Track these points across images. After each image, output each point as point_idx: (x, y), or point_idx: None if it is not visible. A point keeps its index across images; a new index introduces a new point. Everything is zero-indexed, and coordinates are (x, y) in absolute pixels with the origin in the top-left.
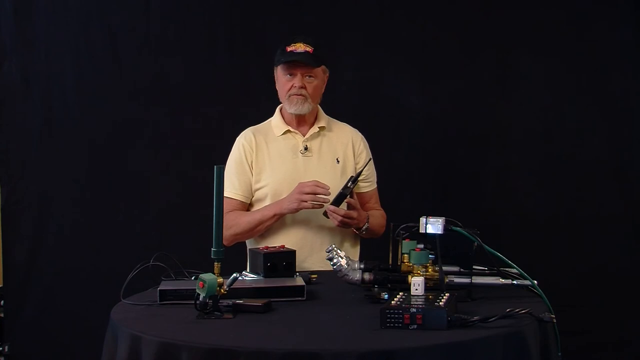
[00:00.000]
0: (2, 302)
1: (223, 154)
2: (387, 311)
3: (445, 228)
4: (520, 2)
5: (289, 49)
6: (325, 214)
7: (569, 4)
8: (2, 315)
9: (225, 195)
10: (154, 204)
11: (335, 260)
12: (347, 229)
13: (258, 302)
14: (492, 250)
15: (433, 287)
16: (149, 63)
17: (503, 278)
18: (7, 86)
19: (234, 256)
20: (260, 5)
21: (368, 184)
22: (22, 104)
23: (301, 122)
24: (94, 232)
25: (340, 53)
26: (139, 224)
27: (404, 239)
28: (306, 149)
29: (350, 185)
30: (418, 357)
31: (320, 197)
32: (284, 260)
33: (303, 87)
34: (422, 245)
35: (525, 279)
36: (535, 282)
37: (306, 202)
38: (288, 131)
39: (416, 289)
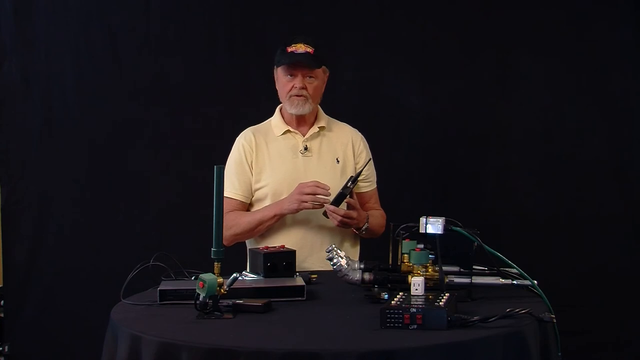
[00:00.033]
0: (2, 302)
1: (223, 154)
2: (387, 311)
3: (445, 228)
4: (520, 2)
5: (289, 49)
6: (325, 214)
7: (569, 4)
8: (2, 315)
9: (225, 195)
10: (154, 204)
11: (335, 260)
12: (347, 229)
13: (258, 302)
14: (492, 250)
15: (433, 287)
16: (149, 63)
17: (503, 278)
18: (7, 86)
19: (234, 256)
20: (260, 5)
21: (368, 184)
22: (22, 104)
23: (301, 122)
24: (94, 232)
25: (340, 53)
26: (139, 224)
27: (404, 239)
28: (306, 149)
29: (350, 185)
30: (418, 357)
31: (321, 198)
32: (284, 260)
33: (304, 87)
34: (422, 245)
35: (525, 279)
36: (535, 282)
37: (306, 202)
38: (288, 131)
39: (416, 289)
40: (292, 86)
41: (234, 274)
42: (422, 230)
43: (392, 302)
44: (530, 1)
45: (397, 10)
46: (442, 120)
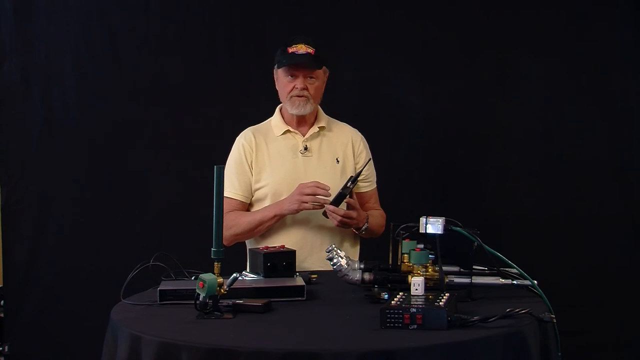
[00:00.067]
0: (2, 302)
1: (223, 154)
2: (387, 311)
3: (445, 228)
4: (520, 2)
5: (290, 50)
6: (324, 214)
7: (569, 4)
8: (2, 315)
9: (225, 195)
10: (154, 204)
11: (335, 260)
12: (347, 229)
13: (258, 302)
14: (492, 250)
15: (433, 287)
16: (149, 63)
17: (503, 278)
18: (7, 86)
19: (234, 256)
20: (260, 5)
21: (368, 184)
22: (22, 104)
23: (301, 122)
24: (94, 232)
25: (340, 53)
26: (139, 224)
27: (404, 239)
28: (306, 149)
29: (350, 185)
30: (418, 357)
31: (321, 198)
32: (284, 260)
33: (305, 88)
34: (422, 245)
35: (525, 279)
36: (535, 282)
37: (307, 203)
38: (288, 131)
39: (416, 289)
40: (293, 87)
41: (234, 274)
42: (422, 230)
43: (392, 302)
44: (530, 1)
45: (397, 10)
46: (442, 120)
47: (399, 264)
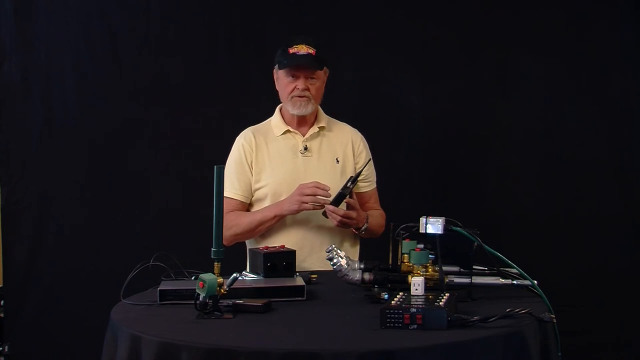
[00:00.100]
0: (2, 302)
1: (223, 154)
2: (387, 311)
3: (445, 228)
4: (520, 2)
5: (291, 50)
6: (324, 214)
7: (569, 4)
8: (2, 315)
9: (225, 195)
10: (154, 204)
11: (335, 260)
12: (347, 229)
13: (258, 302)
14: (492, 250)
15: (433, 287)
16: (149, 63)
17: (503, 278)
18: (7, 86)
19: (234, 256)
20: (260, 5)
21: (367, 184)
22: (22, 104)
23: (301, 122)
24: (94, 232)
25: (340, 53)
26: (139, 224)
27: (404, 239)
28: (306, 149)
29: (350, 185)
30: (418, 357)
31: (321, 199)
32: (284, 260)
33: (306, 89)
34: (422, 245)
35: (525, 279)
36: (535, 282)
37: (307, 203)
38: (288, 131)
39: (416, 289)
40: (295, 87)
41: (234, 274)
42: (422, 230)
43: (392, 302)
44: (530, 1)
45: (397, 10)
46: (442, 120)
47: (399, 264)
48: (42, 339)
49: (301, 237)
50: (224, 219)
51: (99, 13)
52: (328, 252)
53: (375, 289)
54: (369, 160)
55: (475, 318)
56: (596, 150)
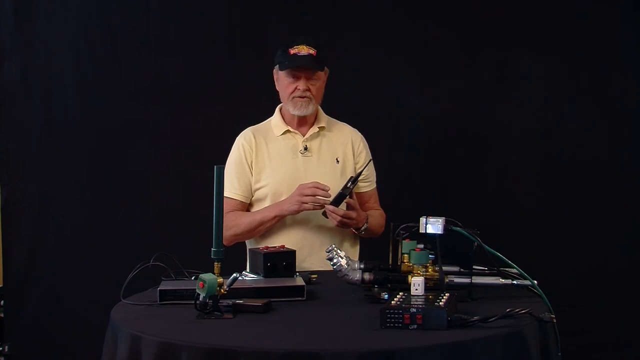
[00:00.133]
0: (2, 302)
1: (223, 154)
2: (387, 311)
3: (445, 228)
4: (520, 2)
5: (292, 51)
6: (324, 214)
7: (569, 4)
8: (2, 315)
9: (225, 195)
10: (154, 204)
11: (335, 260)
12: (346, 229)
13: (258, 302)
14: (492, 250)
15: (433, 287)
16: (149, 63)
17: (503, 278)
18: (7, 86)
19: (234, 256)
20: (260, 5)
21: (367, 184)
22: (22, 104)
23: (301, 122)
24: (94, 232)
25: (340, 53)
26: (139, 224)
27: (404, 239)
28: (306, 149)
29: (350, 185)
30: (418, 357)
31: (321, 199)
32: (284, 260)
33: (307, 89)
34: (422, 245)
35: (525, 279)
36: (535, 282)
37: (307, 203)
38: (288, 131)
39: (416, 289)
40: (295, 88)
41: (234, 274)
42: (422, 230)
43: (392, 302)
44: (530, 1)
45: (397, 10)
46: (442, 120)
47: (399, 264)
48: (42, 339)
49: (301, 237)
50: (224, 219)
51: (99, 13)
52: (328, 252)
53: (375, 289)
54: (369, 161)
55: (475, 318)
56: (596, 150)
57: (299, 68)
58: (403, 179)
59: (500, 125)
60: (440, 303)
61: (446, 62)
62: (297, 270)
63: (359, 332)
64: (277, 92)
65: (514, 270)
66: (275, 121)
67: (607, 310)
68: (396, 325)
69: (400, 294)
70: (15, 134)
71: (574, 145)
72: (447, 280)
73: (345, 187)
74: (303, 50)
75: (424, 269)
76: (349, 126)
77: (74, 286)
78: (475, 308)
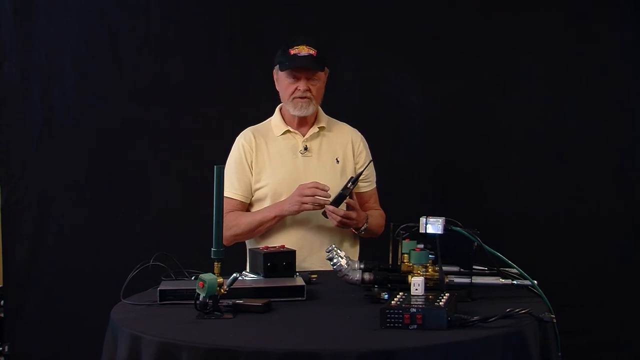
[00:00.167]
0: (2, 302)
1: (223, 154)
2: (387, 311)
3: (445, 228)
4: (520, 2)
5: (292, 52)
6: (324, 214)
7: (569, 4)
8: (2, 315)
9: (225, 195)
10: (154, 204)
11: (335, 260)
12: (346, 229)
13: (258, 302)
14: (492, 250)
15: (433, 287)
16: (149, 63)
17: (503, 278)
18: (7, 86)
19: (234, 256)
20: (260, 5)
21: (367, 184)
22: (22, 104)
23: (302, 122)
24: (94, 232)
25: (340, 53)
26: (139, 224)
27: (404, 239)
28: (306, 149)
29: (350, 186)
30: (418, 357)
31: (321, 199)
32: (284, 260)
33: (308, 89)
34: (422, 245)
35: (525, 279)
36: (535, 282)
37: (307, 204)
38: (288, 131)
39: (416, 289)
40: (296, 88)
41: (234, 274)
42: (422, 230)
43: (392, 302)
44: (530, 1)
45: (397, 10)
46: (442, 120)
47: (399, 264)
48: (42, 339)
49: (301, 237)
50: (224, 219)
51: (99, 13)
52: (328, 252)
53: (375, 289)
54: (370, 162)
55: (475, 318)
56: (596, 150)
57: (299, 68)
58: (403, 179)
59: (500, 125)
60: (440, 303)
61: (446, 62)
62: (297, 270)
63: (359, 332)
64: (277, 92)
65: (514, 270)
66: (275, 121)
67: (607, 310)
68: (396, 325)
69: (400, 294)
70: (15, 134)
71: (574, 145)
72: (447, 280)
73: (345, 187)
74: (303, 50)
75: (424, 269)
76: (349, 126)
77: (74, 286)
78: (475, 308)
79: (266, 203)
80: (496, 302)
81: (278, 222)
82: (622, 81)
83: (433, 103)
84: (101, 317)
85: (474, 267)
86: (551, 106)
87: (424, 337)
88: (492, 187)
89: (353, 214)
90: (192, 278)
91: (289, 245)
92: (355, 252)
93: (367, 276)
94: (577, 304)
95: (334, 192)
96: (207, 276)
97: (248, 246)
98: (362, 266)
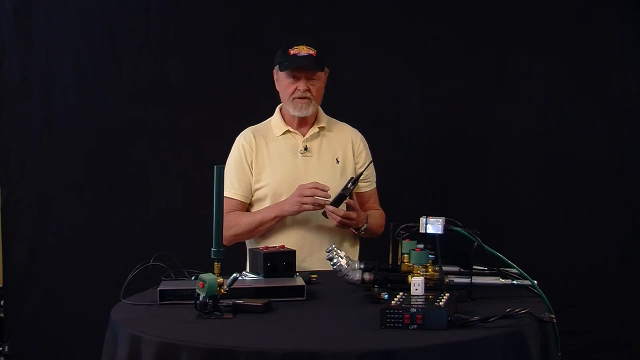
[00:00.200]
0: (2, 302)
1: (223, 154)
2: (387, 311)
3: (445, 228)
4: (520, 2)
5: (291, 52)
6: (324, 214)
7: (569, 4)
8: (2, 315)
9: (225, 195)
10: (154, 204)
11: (335, 260)
12: (346, 229)
13: (258, 302)
14: (492, 250)
15: (433, 287)
16: (149, 63)
17: (503, 278)
18: (7, 86)
19: (234, 256)
20: (260, 5)
21: (367, 184)
22: (22, 104)
23: (302, 122)
24: (94, 232)
25: (340, 53)
26: (139, 224)
27: (404, 239)
28: (306, 149)
29: (350, 186)
30: (418, 357)
31: (320, 199)
32: (284, 260)
33: (307, 90)
34: (422, 245)
35: (525, 279)
36: (535, 282)
37: (307, 204)
38: (288, 131)
39: (416, 289)
40: (296, 88)
41: (234, 274)
42: (422, 230)
43: (392, 302)
44: (530, 1)
45: (397, 10)
46: (442, 120)
47: (399, 264)
48: (42, 339)
49: (301, 237)
50: (224, 219)
51: (99, 13)
52: (328, 252)
53: (375, 289)
54: (370, 162)
55: (475, 318)
56: (596, 150)
57: (299, 69)
58: (403, 179)
59: (500, 125)
60: (440, 303)
61: (446, 62)
62: (297, 270)
63: (359, 332)
64: (277, 92)
65: (514, 270)
66: (275, 121)
67: (607, 310)
68: (396, 325)
69: (400, 294)
70: (15, 134)
71: (574, 145)
72: (447, 280)
73: (345, 187)
74: (303, 50)
75: (424, 269)
76: (349, 126)
77: (74, 286)
78: (475, 308)
79: (266, 203)
80: (496, 302)
81: (278, 222)
82: (622, 81)
83: (433, 103)
84: (101, 317)
85: (474, 267)
86: (551, 106)
87: (424, 337)
88: (492, 187)
89: (353, 214)
90: (192, 278)
91: (289, 245)
92: (355, 252)
93: (367, 276)
94: (577, 304)
95: (334, 192)
96: (207, 276)
97: (248, 246)
98: (362, 266)
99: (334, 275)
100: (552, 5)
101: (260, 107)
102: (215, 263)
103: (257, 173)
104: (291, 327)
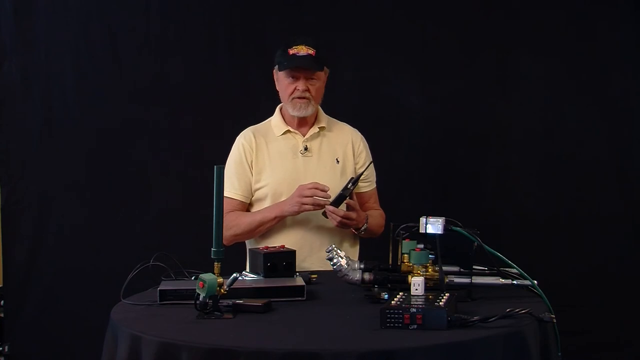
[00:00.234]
0: (2, 302)
1: (223, 154)
2: (387, 311)
3: (445, 228)
4: (520, 2)
5: (291, 51)
6: (324, 214)
7: (569, 4)
8: (2, 315)
9: (225, 195)
10: (154, 204)
11: (335, 260)
12: (346, 229)
13: (258, 302)
14: (492, 250)
15: (433, 287)
16: (149, 63)
17: (503, 278)
18: (7, 86)
19: (234, 256)
20: (260, 5)
21: (367, 184)
22: (22, 104)
23: (302, 122)
24: (94, 232)
25: (340, 53)
26: (139, 224)
27: (404, 239)
28: (306, 149)
29: (350, 186)
30: (418, 357)
31: (320, 199)
32: (284, 260)
33: (307, 90)
34: (422, 245)
35: (525, 279)
36: (535, 282)
37: (307, 204)
38: (288, 131)
39: (416, 289)
40: (295, 88)
41: (234, 274)
42: (422, 230)
43: (392, 302)
44: (530, 1)
45: (397, 10)
46: (442, 120)
47: (399, 264)
48: (42, 339)
49: (301, 237)
50: (224, 219)
51: (99, 13)
52: (328, 252)
53: (375, 289)
54: (370, 162)
55: (475, 318)
56: (596, 150)
57: (298, 68)
58: (403, 179)
59: (500, 125)
60: (440, 303)
61: (446, 62)
62: (297, 270)
63: (359, 332)
64: (277, 92)
65: (514, 270)
66: (275, 121)
67: (607, 310)
68: (396, 325)
69: (400, 294)
70: (15, 134)
71: (574, 145)
72: (447, 280)
73: (345, 188)
74: (302, 50)
75: (424, 269)
76: (349, 126)
77: (74, 286)
78: (475, 308)
79: (266, 203)
80: (496, 302)
81: (278, 223)
82: (622, 81)
83: (433, 103)
84: (101, 317)
85: (474, 267)
86: (551, 106)
87: (424, 337)
88: (492, 187)
89: (353, 215)
90: (192, 278)
91: (289, 245)
92: (355, 252)
93: (367, 276)
94: (577, 304)
95: (334, 192)
96: (207, 276)
97: (248, 246)
98: (362, 266)
99: (334, 275)
100: (552, 5)
101: (260, 107)
102: (215, 263)
103: (257, 173)
104: (291, 327)
